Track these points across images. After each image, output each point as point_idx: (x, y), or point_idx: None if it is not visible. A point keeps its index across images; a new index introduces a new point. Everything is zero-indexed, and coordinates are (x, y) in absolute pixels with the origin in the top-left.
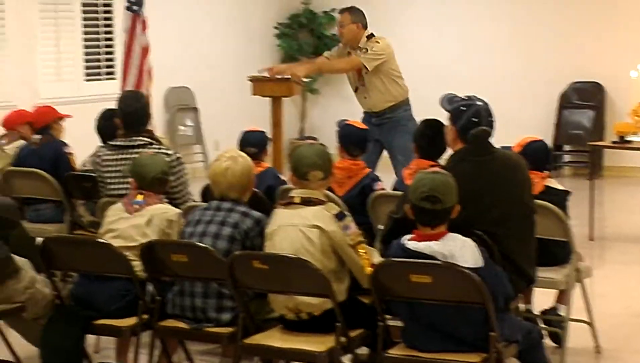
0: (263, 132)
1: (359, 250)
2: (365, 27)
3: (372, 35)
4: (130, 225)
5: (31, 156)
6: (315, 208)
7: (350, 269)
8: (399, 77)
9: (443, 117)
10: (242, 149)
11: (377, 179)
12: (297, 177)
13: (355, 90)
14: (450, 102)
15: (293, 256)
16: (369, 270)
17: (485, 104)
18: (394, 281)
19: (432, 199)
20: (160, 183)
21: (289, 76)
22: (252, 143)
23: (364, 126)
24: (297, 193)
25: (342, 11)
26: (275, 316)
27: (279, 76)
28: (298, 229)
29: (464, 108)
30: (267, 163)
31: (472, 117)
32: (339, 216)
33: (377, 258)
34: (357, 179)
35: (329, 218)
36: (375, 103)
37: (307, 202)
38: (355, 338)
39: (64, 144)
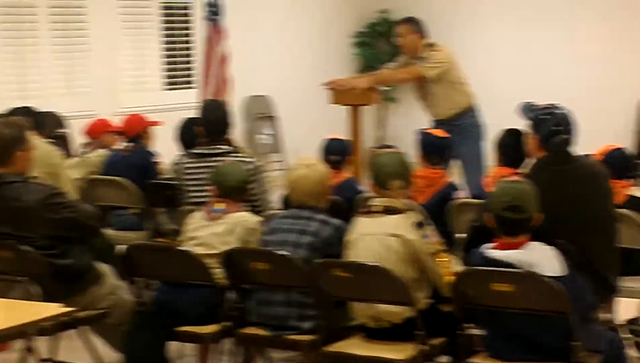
0: (346, 140)
1: (439, 259)
2: (425, 37)
3: (432, 44)
4: (211, 233)
5: (120, 164)
6: (396, 216)
7: (430, 277)
8: (462, 84)
9: (520, 126)
10: (324, 157)
11: (457, 188)
12: (377, 186)
13: (420, 99)
14: (530, 111)
15: (374, 264)
16: (449, 278)
17: (566, 112)
18: (475, 289)
19: (515, 209)
20: (240, 191)
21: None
22: (334, 150)
23: (444, 135)
24: (377, 202)
25: (401, 22)
26: (356, 324)
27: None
28: (378, 238)
29: (546, 117)
30: (348, 172)
31: (553, 125)
32: (419, 225)
33: (457, 267)
34: (438, 188)
35: (409, 226)
36: (440, 111)
37: (387, 211)
38: (436, 346)
39: (152, 153)
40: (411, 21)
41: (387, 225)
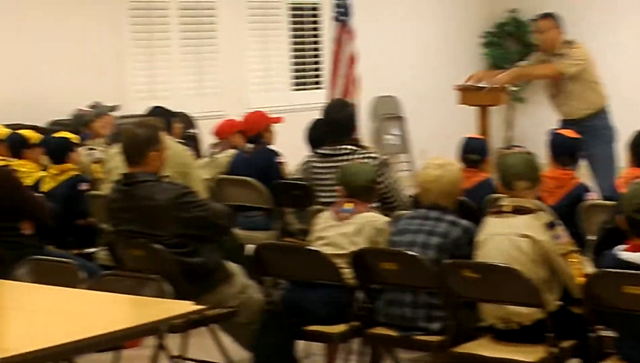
0: (485, 140)
1: (570, 259)
2: (564, 33)
3: (571, 41)
4: (339, 233)
5: (243, 165)
6: (526, 217)
7: (561, 278)
8: (597, 84)
9: None
10: (464, 155)
11: (588, 189)
12: (503, 186)
13: (552, 98)
14: None
15: (504, 265)
16: (579, 279)
17: None
18: (606, 291)
19: None
20: (368, 191)
21: (489, 85)
22: (474, 149)
23: (575, 135)
24: (507, 202)
25: (543, 17)
26: (485, 325)
27: (481, 85)
28: (508, 238)
29: None
30: (485, 172)
31: None
32: (550, 225)
33: (588, 268)
34: (568, 189)
35: (540, 227)
36: (574, 111)
37: (517, 211)
38: (566, 349)
39: (276, 153)
40: (552, 17)
41: (517, 226)
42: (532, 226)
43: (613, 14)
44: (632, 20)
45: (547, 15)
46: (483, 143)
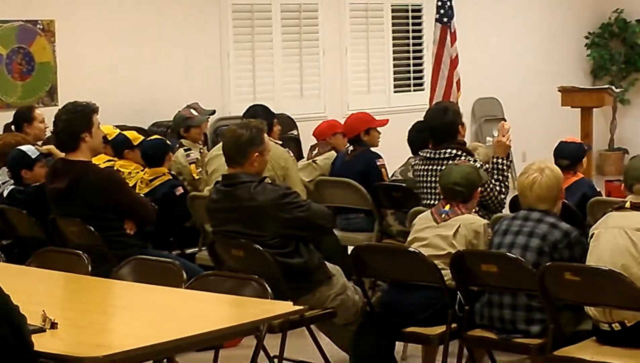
0: (580, 143)
1: None
2: None
3: None
4: (438, 234)
5: (343, 167)
6: None
7: None
8: None
9: None
10: (556, 160)
11: None
12: (624, 187)
13: None
14: None
15: (606, 268)
16: None
17: None
18: None
19: None
20: (465, 194)
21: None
22: (565, 154)
23: None
24: (628, 198)
25: None
26: (587, 328)
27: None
28: (624, 231)
29: None
30: (581, 174)
31: None
32: None
33: None
34: None
35: None
36: None
37: (636, 207)
38: None
39: (377, 156)
40: None
41: (635, 220)
42: None
43: None
44: None
45: None
46: (574, 147)
